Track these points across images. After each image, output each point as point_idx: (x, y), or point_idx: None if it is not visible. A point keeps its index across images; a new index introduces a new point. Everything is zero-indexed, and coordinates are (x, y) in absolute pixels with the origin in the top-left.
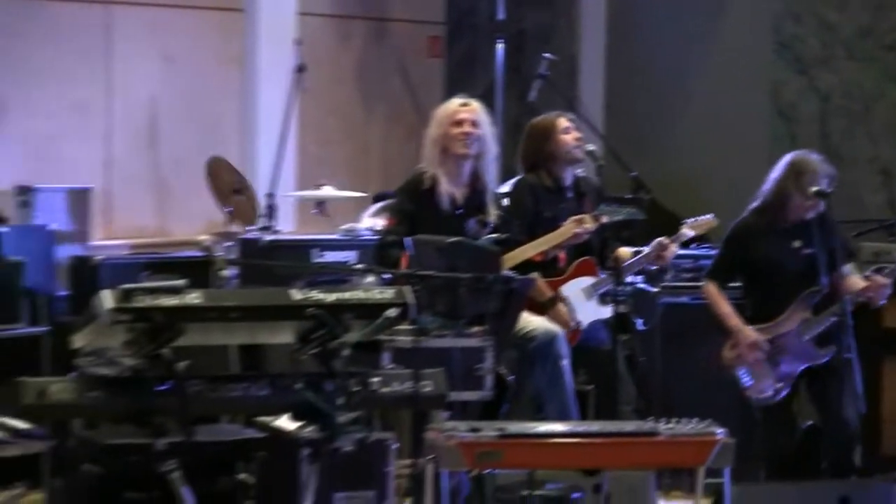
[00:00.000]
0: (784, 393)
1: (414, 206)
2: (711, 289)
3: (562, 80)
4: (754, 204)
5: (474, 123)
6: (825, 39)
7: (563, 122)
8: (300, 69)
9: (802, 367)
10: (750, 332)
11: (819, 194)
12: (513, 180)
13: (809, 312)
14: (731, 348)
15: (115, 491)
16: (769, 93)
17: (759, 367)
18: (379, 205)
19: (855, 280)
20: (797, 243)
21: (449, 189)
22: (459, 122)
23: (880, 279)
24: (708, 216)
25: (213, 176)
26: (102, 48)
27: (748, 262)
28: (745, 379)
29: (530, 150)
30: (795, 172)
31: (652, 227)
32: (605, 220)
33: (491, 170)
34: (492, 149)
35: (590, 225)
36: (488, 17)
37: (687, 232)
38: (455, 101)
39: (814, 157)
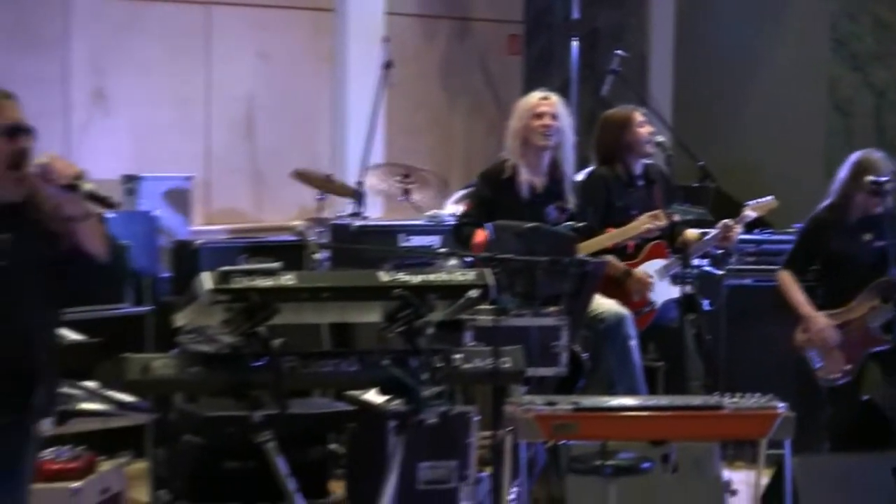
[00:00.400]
0: (850, 375)
1: (493, 192)
2: (786, 277)
3: (633, 75)
4: (826, 201)
5: (554, 116)
6: (880, 37)
7: (638, 117)
8: (388, 65)
9: (869, 352)
10: (821, 319)
11: (876, 189)
12: (586, 171)
13: (878, 301)
14: (802, 332)
15: (213, 461)
16: (826, 88)
17: (829, 350)
18: (462, 192)
19: None
20: (868, 236)
21: (529, 178)
22: (540, 115)
23: None
24: (769, 198)
25: (303, 179)
26: (202, 46)
27: (821, 254)
28: (816, 361)
29: (605, 143)
30: (858, 171)
31: (717, 212)
32: (676, 218)
33: (569, 159)
34: (570, 139)
35: (662, 222)
36: (564, 17)
37: (749, 213)
38: (535, 95)
39: (876, 156)
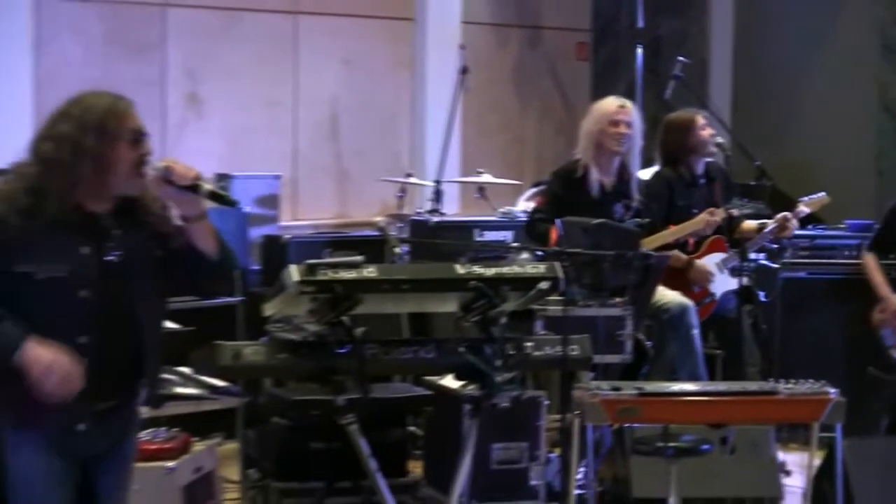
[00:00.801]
0: None
1: (565, 190)
2: (869, 259)
3: (694, 80)
4: None
5: (629, 124)
6: None
7: (700, 120)
8: (463, 71)
9: None
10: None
11: None
12: (651, 171)
13: None
14: (879, 312)
15: (300, 441)
16: (876, 91)
17: None
18: (532, 190)
19: None
20: None
21: (599, 178)
22: (616, 123)
23: None
24: (821, 194)
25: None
26: (290, 53)
27: None
28: (889, 339)
29: (670, 145)
30: None
31: (773, 209)
32: (734, 212)
33: (636, 161)
34: (638, 144)
35: (717, 218)
36: (629, 25)
37: (803, 209)
38: (613, 102)
39: None
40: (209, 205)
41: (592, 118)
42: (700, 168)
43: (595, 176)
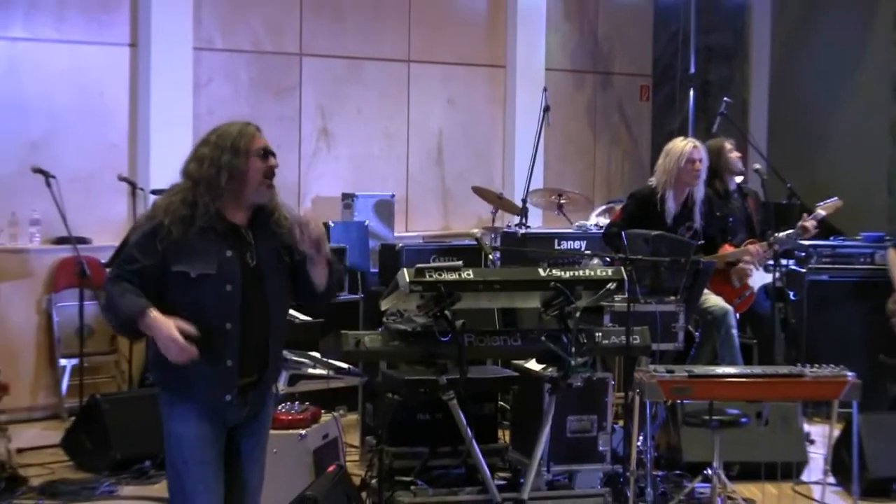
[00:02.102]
0: None
1: (640, 211)
2: (893, 257)
3: (736, 116)
4: None
5: (701, 161)
6: None
7: (728, 144)
8: (546, 109)
9: None
10: None
11: None
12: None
13: None
14: (893, 303)
15: (409, 413)
16: (888, 127)
17: None
18: (602, 207)
19: None
20: None
21: (671, 206)
22: (692, 161)
23: None
24: (834, 199)
25: (480, 193)
26: (404, 93)
27: None
28: None
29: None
30: None
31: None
32: (777, 247)
33: (701, 190)
34: (703, 176)
35: (760, 252)
36: (683, 71)
37: (820, 212)
38: (689, 143)
39: None
40: (331, 196)
41: (672, 156)
42: (732, 185)
43: (670, 204)
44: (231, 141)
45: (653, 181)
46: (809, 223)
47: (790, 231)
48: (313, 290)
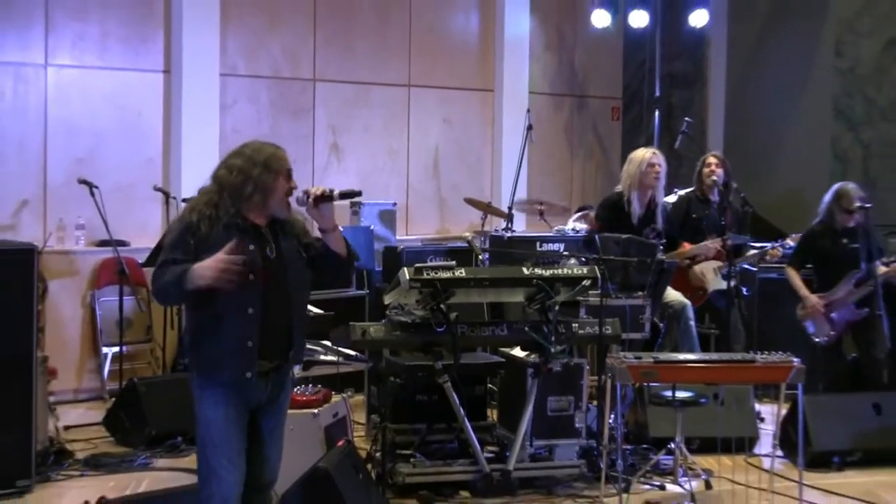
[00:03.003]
0: (835, 338)
1: (611, 214)
2: (791, 272)
3: (696, 134)
4: (818, 218)
5: (661, 166)
6: (867, 108)
7: (711, 158)
8: (529, 128)
9: (847, 321)
10: (814, 299)
11: (849, 209)
12: (672, 197)
13: (853, 286)
14: (801, 309)
15: (409, 395)
16: (830, 143)
17: (820, 320)
18: (577, 213)
19: (882, 267)
20: (846, 241)
21: (636, 207)
22: (652, 165)
23: None
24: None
25: (471, 203)
26: (405, 114)
27: (814, 254)
28: (810, 328)
29: (695, 176)
30: (837, 196)
31: (753, 229)
32: (728, 241)
33: (661, 194)
34: (664, 181)
35: (714, 247)
36: (649, 95)
37: (789, 242)
38: (649, 151)
39: (851, 186)
40: (342, 205)
41: (635, 163)
42: (714, 195)
43: (636, 205)
44: (265, 158)
45: (619, 187)
46: (779, 251)
47: (757, 251)
48: (337, 260)
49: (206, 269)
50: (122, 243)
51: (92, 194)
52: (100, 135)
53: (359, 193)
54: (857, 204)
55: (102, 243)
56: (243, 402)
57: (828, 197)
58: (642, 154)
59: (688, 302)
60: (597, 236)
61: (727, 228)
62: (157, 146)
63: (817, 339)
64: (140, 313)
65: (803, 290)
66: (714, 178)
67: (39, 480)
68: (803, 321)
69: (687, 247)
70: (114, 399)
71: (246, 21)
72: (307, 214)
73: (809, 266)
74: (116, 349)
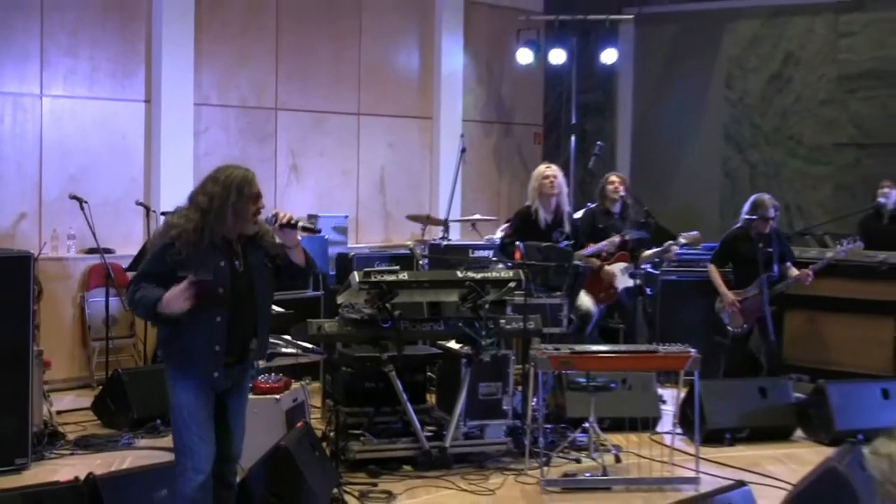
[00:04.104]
0: (747, 330)
1: (523, 224)
2: (712, 268)
3: (607, 156)
4: (738, 224)
5: (555, 176)
6: (753, 133)
7: (612, 177)
8: (463, 151)
9: (757, 315)
10: (731, 295)
11: (765, 217)
12: (582, 211)
13: (765, 286)
14: (719, 302)
15: (359, 382)
16: (721, 163)
17: (734, 313)
18: (504, 225)
19: (794, 270)
20: (761, 245)
21: (544, 215)
22: (546, 176)
23: (807, 271)
24: (695, 232)
25: (412, 219)
26: (356, 139)
27: (734, 255)
28: (725, 319)
29: (597, 192)
30: (753, 206)
31: (658, 239)
32: (627, 237)
33: (566, 201)
34: (565, 190)
35: (617, 240)
36: (567, 122)
37: (681, 240)
38: (543, 165)
39: (767, 197)
40: (302, 235)
41: (533, 178)
42: (616, 207)
43: (542, 214)
44: (238, 183)
45: (528, 201)
46: (674, 248)
47: (656, 250)
48: (298, 270)
49: (174, 301)
50: (109, 251)
51: (82, 208)
52: (89, 156)
53: (318, 231)
54: (772, 213)
55: (91, 251)
56: (210, 388)
57: (746, 206)
58: (539, 170)
59: (594, 309)
60: (521, 245)
61: (625, 230)
62: (140, 166)
63: (731, 330)
64: (124, 312)
65: (722, 287)
66: (620, 193)
67: (35, 459)
68: (720, 313)
69: (591, 246)
70: (101, 387)
71: (217, 57)
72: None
73: (729, 266)
74: (103, 343)
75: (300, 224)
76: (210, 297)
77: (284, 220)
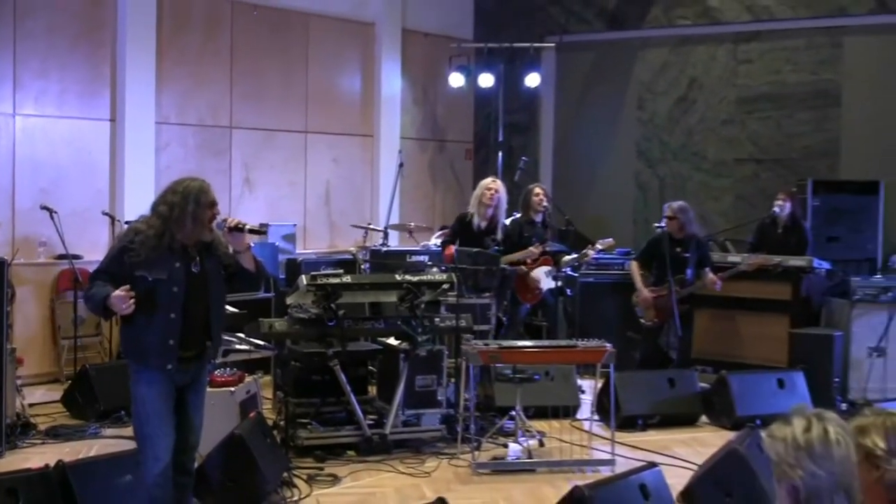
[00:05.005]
0: (658, 324)
1: (460, 226)
2: (634, 266)
3: (531, 170)
4: (663, 228)
5: (497, 190)
6: (662, 150)
7: (537, 188)
8: (401, 166)
9: (670, 313)
10: (645, 291)
11: (682, 223)
12: (510, 219)
13: (678, 286)
14: (635, 297)
15: (306, 375)
16: (633, 177)
17: (649, 309)
18: (439, 232)
19: (710, 275)
20: (679, 249)
21: (479, 222)
22: (489, 188)
23: (714, 278)
24: (610, 239)
25: (356, 226)
26: (303, 155)
27: (654, 256)
28: (640, 314)
29: (521, 203)
30: (669, 214)
31: (576, 243)
32: (546, 248)
33: (502, 215)
34: (503, 205)
35: (537, 251)
36: (494, 139)
37: (598, 246)
38: (489, 179)
39: (678, 204)
40: (253, 240)
41: (480, 188)
42: (538, 218)
43: (476, 221)
44: (195, 193)
45: (469, 208)
46: (591, 252)
47: (575, 255)
48: (249, 276)
49: (117, 302)
50: (77, 257)
51: (52, 218)
52: (59, 170)
53: (264, 233)
54: (693, 222)
55: (61, 257)
56: (170, 382)
57: (667, 212)
58: (486, 181)
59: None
60: (456, 250)
61: (547, 238)
62: (105, 179)
63: (646, 324)
64: (91, 313)
65: (640, 283)
66: (544, 204)
67: (9, 448)
68: (635, 306)
69: (515, 254)
70: (70, 381)
71: (177, 80)
72: (227, 241)
73: (650, 266)
74: (72, 341)
75: (247, 227)
76: (171, 288)
77: (232, 224)
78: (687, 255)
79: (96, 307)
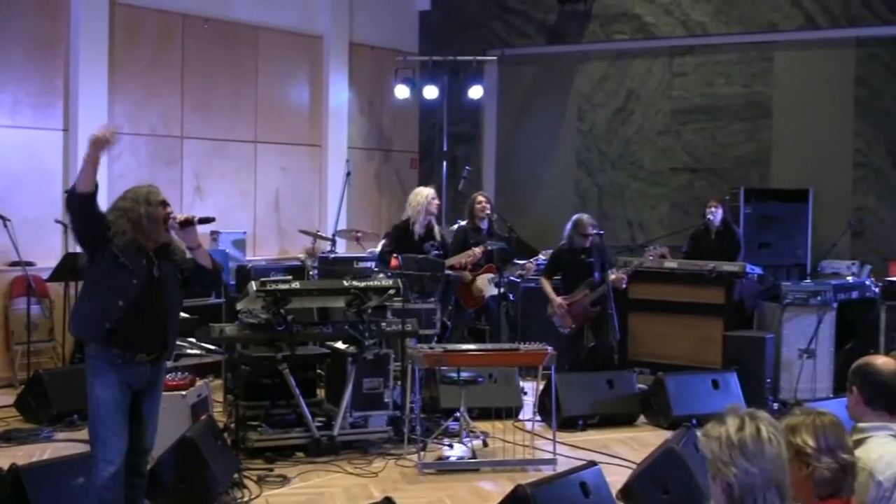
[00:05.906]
0: (575, 329)
1: (401, 236)
2: (543, 280)
3: (475, 179)
4: (563, 241)
5: (437, 199)
6: (601, 159)
7: (480, 197)
8: (348, 174)
9: (584, 317)
10: (559, 301)
11: (584, 234)
12: (455, 227)
13: (588, 291)
14: (550, 307)
15: (256, 379)
16: (573, 185)
17: (564, 317)
18: (384, 239)
19: (612, 275)
20: (584, 256)
21: (419, 229)
22: (434, 198)
23: (621, 274)
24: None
25: (304, 233)
26: (253, 164)
27: (561, 266)
28: (557, 322)
29: (466, 210)
30: (575, 225)
31: (520, 250)
32: (489, 247)
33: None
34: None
35: (479, 251)
36: (439, 149)
37: (541, 257)
38: (430, 189)
39: (585, 217)
40: (204, 233)
41: (421, 198)
42: (483, 225)
43: (416, 228)
44: (144, 196)
45: (406, 214)
46: (532, 264)
47: (517, 265)
48: (206, 273)
49: (92, 145)
50: (30, 264)
51: (5, 225)
52: (12, 179)
53: (213, 219)
54: (590, 230)
55: (14, 264)
56: (126, 385)
57: (569, 225)
58: (426, 191)
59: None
60: (401, 257)
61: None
62: (58, 188)
63: (562, 330)
64: (44, 319)
65: (551, 294)
66: (487, 211)
67: None
68: (552, 317)
69: (458, 257)
70: (23, 386)
71: (129, 91)
72: (180, 239)
73: (558, 277)
74: (25, 346)
75: (196, 218)
76: (132, 280)
77: (182, 219)
78: (591, 260)
79: (82, 171)
